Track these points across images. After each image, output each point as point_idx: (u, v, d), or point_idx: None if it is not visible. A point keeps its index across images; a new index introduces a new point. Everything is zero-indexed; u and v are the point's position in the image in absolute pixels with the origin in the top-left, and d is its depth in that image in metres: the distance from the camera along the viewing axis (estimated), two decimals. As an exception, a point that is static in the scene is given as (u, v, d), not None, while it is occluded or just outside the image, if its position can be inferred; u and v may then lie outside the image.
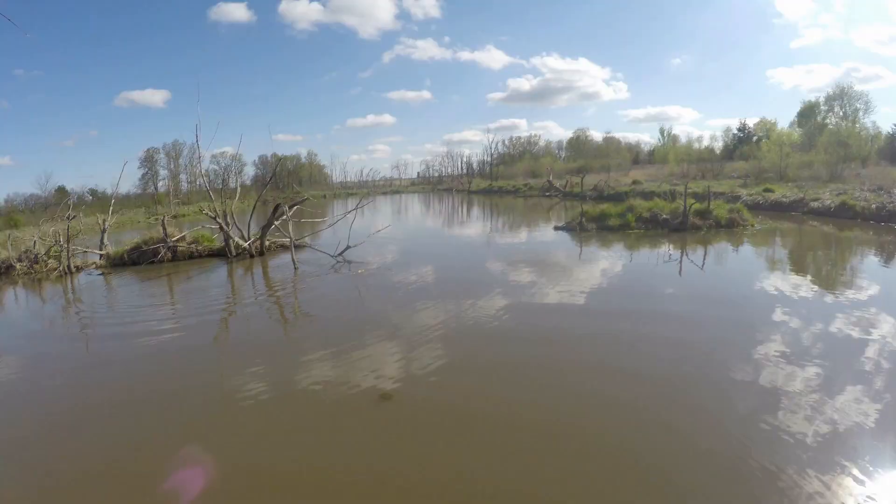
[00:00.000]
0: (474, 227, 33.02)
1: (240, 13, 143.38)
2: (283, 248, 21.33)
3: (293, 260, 17.96)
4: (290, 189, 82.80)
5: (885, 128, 57.21)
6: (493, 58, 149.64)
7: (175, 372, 9.21)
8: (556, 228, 26.52)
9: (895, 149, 52.59)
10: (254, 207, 25.40)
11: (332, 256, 19.16)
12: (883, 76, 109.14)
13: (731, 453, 5.72)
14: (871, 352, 8.62)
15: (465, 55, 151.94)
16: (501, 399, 7.31)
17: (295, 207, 21.96)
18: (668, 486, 5.28)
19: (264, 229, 21.04)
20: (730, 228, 24.28)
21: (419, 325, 10.88)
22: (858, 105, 56.74)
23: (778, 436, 6.01)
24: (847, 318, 10.49)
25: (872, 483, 5.13)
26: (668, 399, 7.16)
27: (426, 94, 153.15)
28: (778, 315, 10.99)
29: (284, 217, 20.28)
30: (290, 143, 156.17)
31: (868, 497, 4.94)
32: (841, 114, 57.81)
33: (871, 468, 5.35)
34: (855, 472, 5.30)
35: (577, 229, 24.83)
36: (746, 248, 20.29)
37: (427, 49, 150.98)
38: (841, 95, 57.85)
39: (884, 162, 46.73)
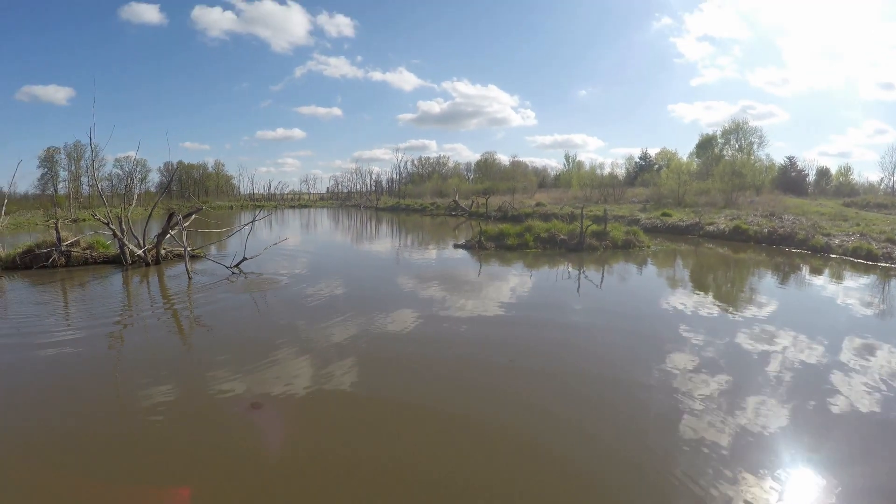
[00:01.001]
0: (383, 243, 32.01)
1: (151, 14, 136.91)
2: (180, 257, 20.16)
3: (187, 270, 17.08)
4: (195, 198, 78.78)
5: (779, 160, 62.21)
6: (405, 80, 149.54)
7: (72, 385, 8.34)
8: (456, 246, 26.13)
9: (787, 179, 56.93)
10: (149, 215, 23.55)
11: (227, 268, 18.44)
12: (776, 114, 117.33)
13: (640, 459, 5.91)
14: (773, 364, 9.19)
15: (377, 75, 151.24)
16: (409, 407, 7.41)
17: (192, 217, 21.29)
18: (569, 479, 5.59)
19: (159, 238, 20.17)
20: (626, 249, 24.94)
21: (326, 337, 10.61)
22: (753, 139, 59.71)
23: (688, 444, 6.25)
24: (749, 333, 11.13)
25: (780, 486, 5.40)
26: (585, 405, 7.55)
27: (337, 111, 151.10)
28: (681, 329, 11.49)
29: (178, 226, 19.33)
30: (197, 151, 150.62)
31: (778, 495, 5.23)
32: (737, 146, 60.44)
33: (778, 473, 5.65)
34: (763, 476, 5.57)
35: (476, 247, 24.50)
36: (642, 268, 20.88)
37: (339, 67, 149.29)
38: (737, 130, 60.61)
39: (777, 190, 49.95)
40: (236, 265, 18.62)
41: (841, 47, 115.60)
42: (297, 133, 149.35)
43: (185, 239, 18.69)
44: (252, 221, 21.93)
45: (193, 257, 19.59)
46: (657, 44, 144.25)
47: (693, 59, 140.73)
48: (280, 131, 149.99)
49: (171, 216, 20.02)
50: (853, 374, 8.77)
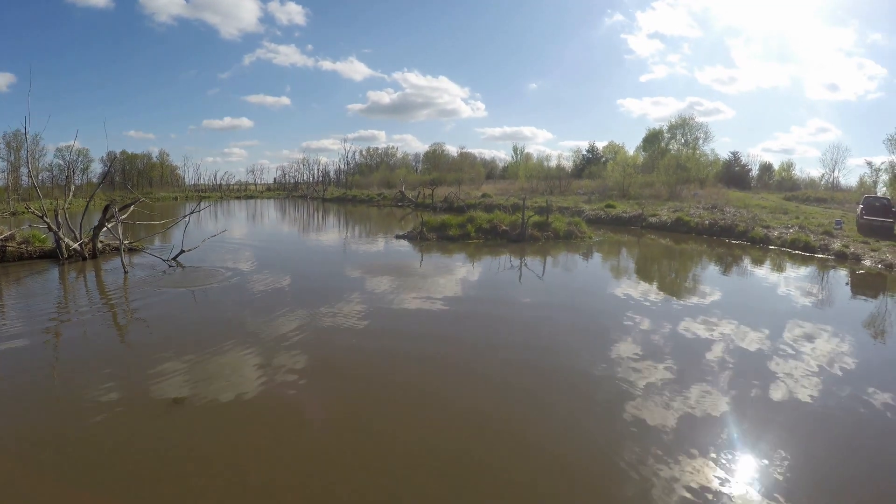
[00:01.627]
0: (325, 234, 31.42)
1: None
2: (118, 250, 18.50)
3: (123, 264, 16.32)
4: (138, 189, 75.08)
5: (724, 155, 62.87)
6: (355, 69, 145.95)
7: (8, 385, 7.85)
8: (398, 237, 25.63)
9: (731, 173, 58.03)
10: (86, 207, 21.59)
11: (163, 261, 17.59)
12: (723, 111, 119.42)
13: (592, 447, 6.07)
14: (717, 349, 9.58)
15: (328, 65, 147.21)
16: (357, 401, 7.36)
17: (130, 208, 20.35)
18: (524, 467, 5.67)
19: (95, 231, 19.12)
20: (568, 240, 24.87)
21: (272, 331, 10.32)
22: (699, 134, 59.75)
23: (636, 427, 6.44)
24: (690, 321, 11.47)
25: (725, 466, 5.63)
26: (536, 386, 7.87)
27: (286, 101, 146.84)
28: (624, 319, 11.73)
29: (115, 219, 18.54)
30: (142, 140, 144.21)
31: (721, 479, 5.38)
32: (682, 141, 60.68)
33: (722, 453, 5.88)
34: (708, 457, 5.77)
35: (418, 238, 24.14)
36: (583, 258, 21.06)
37: (289, 55, 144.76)
38: (683, 125, 60.80)
39: (720, 184, 50.69)
40: (174, 258, 17.78)
41: (788, 49, 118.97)
42: (245, 122, 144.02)
43: (120, 231, 17.99)
44: (190, 214, 20.78)
45: (132, 250, 19.00)
46: (609, 40, 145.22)
47: (643, 56, 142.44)
48: (227, 120, 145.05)
49: (106, 208, 19.06)
50: (792, 360, 9.09)
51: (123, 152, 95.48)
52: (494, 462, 5.76)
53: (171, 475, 5.42)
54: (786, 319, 11.82)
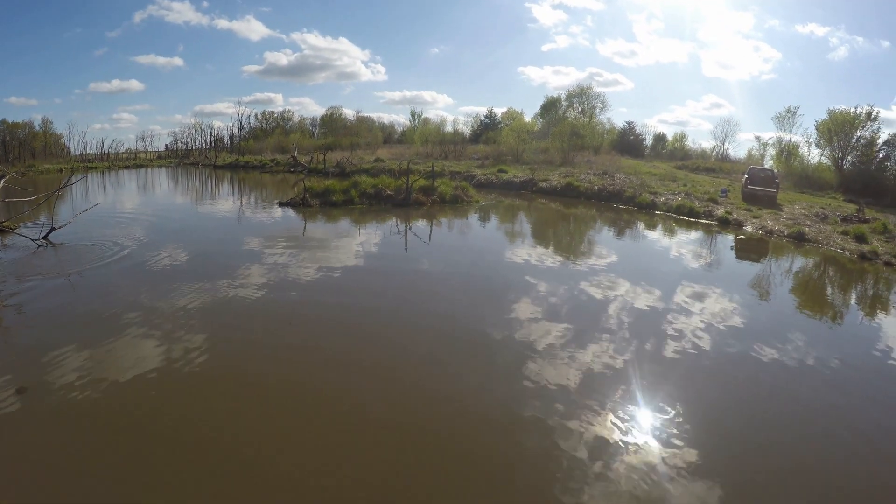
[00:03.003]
0: (205, 204, 28.16)
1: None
2: None
3: None
4: (20, 162, 67.41)
5: (620, 124, 63.33)
6: (252, 29, 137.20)
7: None
8: (281, 204, 24.20)
9: (626, 141, 58.41)
10: None
11: (32, 240, 15.42)
12: (622, 82, 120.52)
13: (496, 405, 6.31)
14: (612, 309, 9.93)
15: (223, 23, 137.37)
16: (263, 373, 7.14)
17: (0, 183, 17.29)
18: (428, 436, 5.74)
19: None
20: (454, 204, 24.30)
21: (168, 308, 9.52)
22: (596, 103, 60.71)
23: (539, 386, 6.75)
24: (587, 282, 11.87)
25: (626, 419, 6.03)
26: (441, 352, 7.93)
27: (178, 61, 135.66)
28: (514, 279, 12.16)
29: None
30: (24, 108, 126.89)
31: (623, 431, 5.75)
32: (580, 109, 61.00)
33: (623, 406, 6.33)
34: (610, 411, 6.17)
35: (301, 205, 22.94)
36: (467, 222, 20.93)
37: (183, 13, 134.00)
38: (580, 94, 61.42)
39: (614, 152, 50.51)
40: (44, 237, 15.80)
41: (689, 28, 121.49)
42: (135, 85, 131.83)
43: None
44: (60, 189, 19.63)
45: (2, 231, 16.83)
46: (513, 8, 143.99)
47: (547, 25, 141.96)
48: (116, 83, 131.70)
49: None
50: (683, 317, 9.65)
51: (4, 121, 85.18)
52: (404, 419, 5.99)
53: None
54: (676, 281, 12.25)
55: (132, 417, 5.96)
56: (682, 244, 17.31)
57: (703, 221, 21.51)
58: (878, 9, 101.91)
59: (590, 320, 9.23)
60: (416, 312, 9.80)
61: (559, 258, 14.71)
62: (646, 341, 8.30)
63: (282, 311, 9.55)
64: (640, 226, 20.61)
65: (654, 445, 5.48)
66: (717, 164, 47.76)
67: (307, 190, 24.31)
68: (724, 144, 61.42)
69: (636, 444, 5.49)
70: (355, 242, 15.88)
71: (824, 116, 37.48)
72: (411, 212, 21.88)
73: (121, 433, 5.66)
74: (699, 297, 11.00)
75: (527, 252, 15.15)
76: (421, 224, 19.53)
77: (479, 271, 13.20)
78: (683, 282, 12.08)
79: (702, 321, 9.37)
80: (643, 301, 10.42)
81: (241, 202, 28.58)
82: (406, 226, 18.93)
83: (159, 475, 4.96)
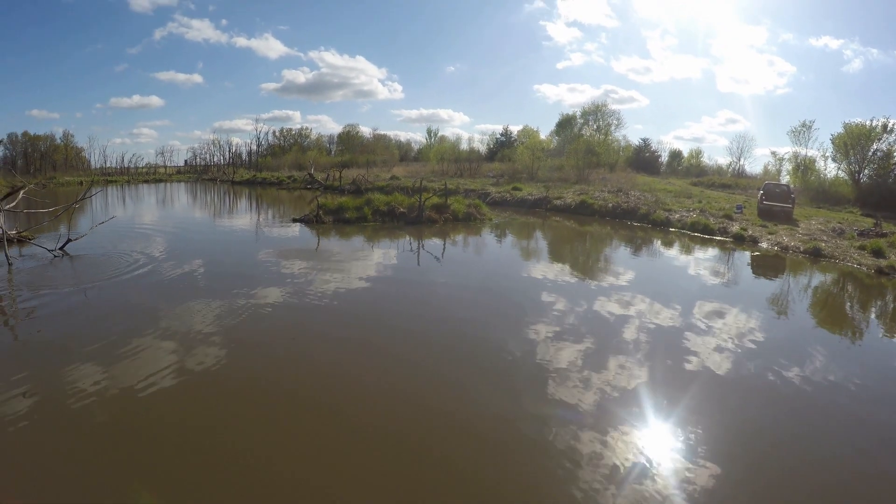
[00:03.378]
0: (230, 218, 28.89)
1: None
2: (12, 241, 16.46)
3: (6, 256, 14.30)
4: (42, 174, 68.74)
5: (635, 141, 64.40)
6: (271, 47, 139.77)
7: None
8: (295, 220, 24.23)
9: (641, 159, 59.24)
10: None
11: (49, 251, 15.59)
12: (637, 99, 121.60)
13: (510, 424, 6.15)
14: (630, 328, 9.74)
15: (242, 41, 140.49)
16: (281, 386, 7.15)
17: (18, 195, 17.84)
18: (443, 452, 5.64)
19: None
20: (467, 222, 24.29)
21: (188, 322, 9.49)
22: (611, 120, 60.98)
23: (555, 403, 6.61)
24: (605, 300, 11.73)
25: (642, 438, 5.88)
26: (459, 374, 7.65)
27: (198, 78, 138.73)
28: (525, 298, 12.03)
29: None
30: (45, 120, 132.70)
31: (639, 449, 5.63)
32: (595, 127, 61.13)
33: (638, 425, 6.15)
34: (626, 430, 6.01)
35: (315, 221, 23.03)
36: (478, 240, 20.65)
37: (202, 30, 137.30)
38: (596, 111, 61.68)
39: (629, 169, 50.99)
40: (60, 248, 15.89)
41: (703, 44, 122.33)
42: (155, 101, 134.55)
43: (2, 221, 15.73)
44: (78, 201, 19.09)
45: (20, 241, 16.90)
46: (528, 26, 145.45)
47: (561, 43, 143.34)
48: (136, 99, 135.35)
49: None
50: (701, 336, 9.48)
51: (25, 133, 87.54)
52: (425, 440, 5.87)
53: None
54: (692, 298, 12.16)
55: (142, 426, 5.97)
56: (697, 262, 17.20)
57: (718, 238, 21.31)
58: (891, 20, 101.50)
59: (608, 338, 9.11)
60: (427, 329, 9.70)
61: (572, 276, 14.62)
62: (661, 359, 8.21)
63: (289, 327, 9.53)
64: (655, 243, 20.44)
65: (672, 467, 5.30)
66: (732, 181, 47.57)
67: (321, 207, 24.36)
68: (739, 160, 61.45)
69: (653, 466, 5.30)
70: (367, 259, 15.85)
71: (840, 130, 37.35)
72: (423, 229, 21.89)
73: (130, 441, 5.67)
74: (715, 314, 10.84)
75: (540, 270, 15.16)
76: (433, 242, 19.47)
77: (490, 288, 13.10)
78: (699, 300, 11.96)
79: (716, 339, 9.24)
80: (658, 319, 10.29)
81: (259, 217, 28.87)
82: (419, 243, 18.87)
83: (170, 481, 5.01)
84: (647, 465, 5.30)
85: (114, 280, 12.68)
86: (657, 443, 5.76)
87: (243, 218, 28.86)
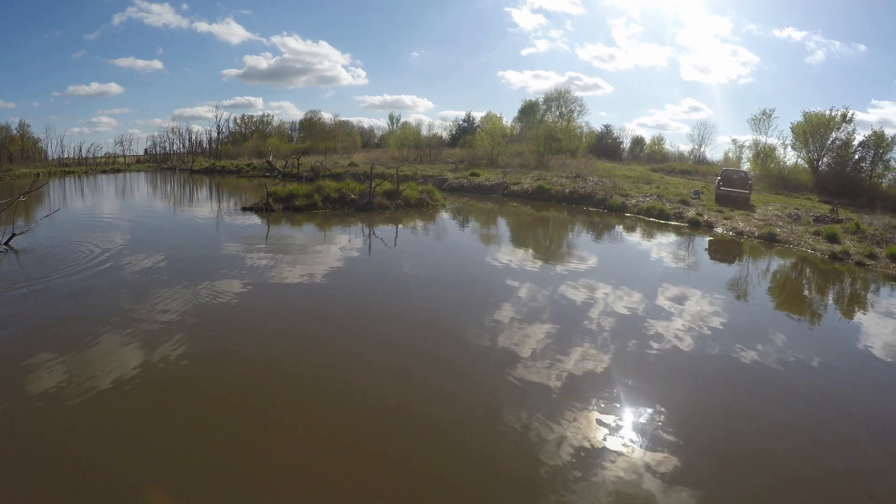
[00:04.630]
0: (191, 208, 27.18)
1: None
2: None
3: None
4: None
5: (599, 128, 63.70)
6: (232, 32, 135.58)
7: None
8: (245, 209, 23.44)
9: (603, 145, 59.05)
10: None
11: None
12: (602, 86, 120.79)
13: (482, 408, 6.12)
14: (594, 312, 9.65)
15: (203, 26, 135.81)
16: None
17: None
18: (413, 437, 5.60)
19: None
20: (419, 208, 23.75)
21: (150, 313, 9.16)
22: (574, 107, 60.24)
23: (523, 389, 6.58)
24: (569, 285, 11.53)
25: (611, 419, 5.89)
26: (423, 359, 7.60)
27: (158, 64, 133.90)
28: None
29: None
30: (1, 111, 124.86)
31: (609, 431, 5.63)
32: (557, 113, 60.64)
33: (607, 407, 6.17)
34: (595, 412, 6.05)
35: (264, 210, 22.35)
36: (429, 225, 20.39)
37: (162, 14, 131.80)
38: (558, 98, 61.07)
39: (591, 155, 50.69)
40: (5, 243, 15.16)
41: (668, 33, 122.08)
42: (114, 88, 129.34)
43: None
44: (24, 194, 18.32)
45: None
46: (493, 12, 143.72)
47: (527, 30, 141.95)
48: (95, 86, 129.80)
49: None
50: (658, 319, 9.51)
51: None
52: (389, 428, 5.75)
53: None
54: (645, 282, 12.08)
55: (107, 430, 5.67)
56: (651, 247, 16.95)
57: (674, 223, 21.09)
58: (854, 13, 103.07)
59: (573, 323, 9.07)
60: (377, 316, 9.43)
61: (525, 261, 14.21)
62: (627, 341, 8.25)
63: (212, 321, 8.94)
64: (610, 228, 20.20)
65: (638, 448, 5.35)
66: (693, 167, 47.60)
67: (271, 195, 23.40)
68: (700, 147, 61.49)
69: (620, 447, 5.34)
70: (314, 247, 15.31)
71: (800, 119, 37.49)
72: (374, 216, 21.46)
73: (86, 444, 5.40)
74: (672, 298, 10.86)
75: (491, 255, 14.93)
76: (384, 228, 18.90)
77: (438, 272, 13.00)
78: (651, 284, 11.85)
79: (674, 322, 9.29)
80: (617, 303, 10.25)
81: (213, 207, 27.36)
82: (369, 230, 18.25)
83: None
84: (613, 446, 5.37)
85: (67, 277, 11.71)
86: (623, 423, 5.83)
87: (196, 207, 27.40)
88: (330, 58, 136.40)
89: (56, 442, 5.41)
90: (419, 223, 20.35)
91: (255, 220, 20.44)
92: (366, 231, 18.06)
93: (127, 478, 4.83)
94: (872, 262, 14.65)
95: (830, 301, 11.94)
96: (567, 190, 27.93)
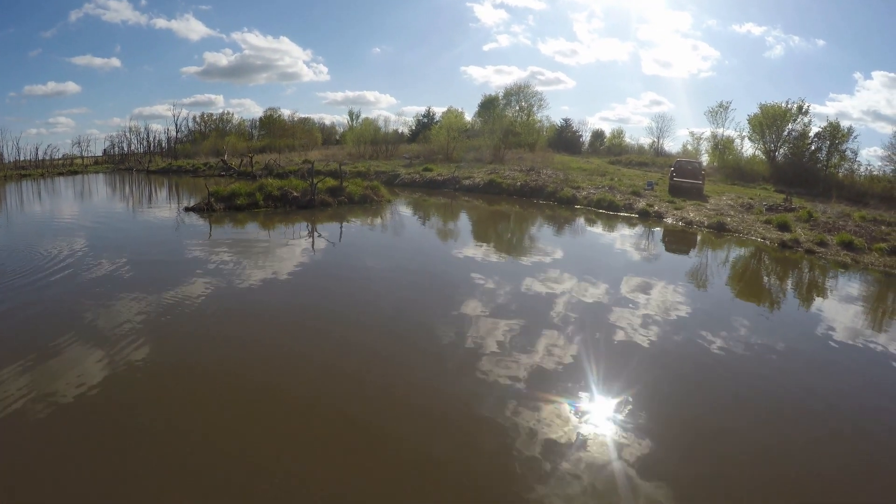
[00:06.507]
0: (151, 210, 25.70)
1: None
2: None
3: None
4: None
5: (560, 122, 63.78)
6: (192, 28, 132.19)
7: None
8: (187, 209, 22.57)
9: (563, 138, 59.41)
10: None
11: None
12: (564, 81, 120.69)
13: (446, 406, 5.97)
14: (559, 305, 9.53)
15: (162, 22, 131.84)
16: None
17: None
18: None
19: None
20: (363, 204, 23.15)
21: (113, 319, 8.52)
22: (534, 101, 59.65)
23: (490, 383, 6.41)
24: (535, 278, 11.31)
25: (580, 410, 5.82)
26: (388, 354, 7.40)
27: (116, 62, 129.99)
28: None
29: None
30: None
31: (578, 422, 5.57)
32: (517, 108, 60.12)
33: (574, 398, 6.07)
34: (563, 403, 5.94)
35: (206, 210, 21.62)
36: (375, 221, 19.93)
37: (120, 11, 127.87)
38: (518, 92, 60.44)
39: (550, 149, 50.39)
40: None
41: (629, 27, 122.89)
42: (72, 87, 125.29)
43: None
44: None
45: None
46: (455, 7, 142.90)
47: (489, 25, 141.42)
48: (51, 85, 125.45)
49: None
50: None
51: None
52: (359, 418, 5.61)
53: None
54: (582, 272, 11.97)
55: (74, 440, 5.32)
56: (600, 237, 16.92)
57: (623, 214, 20.76)
58: (813, 8, 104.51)
59: (538, 316, 8.96)
60: (320, 313, 9.15)
61: (465, 252, 13.94)
62: (593, 332, 8.16)
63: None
64: (557, 220, 19.83)
65: (608, 437, 5.34)
66: (650, 159, 47.80)
67: (212, 194, 22.43)
68: (659, 140, 61.76)
69: (590, 437, 5.33)
70: (254, 246, 14.67)
71: (757, 112, 37.59)
72: (316, 213, 20.76)
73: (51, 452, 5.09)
74: (634, 287, 10.86)
75: (438, 247, 15.09)
76: (324, 226, 18.37)
77: (371, 266, 12.75)
78: (587, 275, 11.67)
79: (631, 311, 9.28)
80: (582, 294, 10.23)
81: (171, 207, 26.15)
82: (311, 229, 17.63)
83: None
84: (583, 435, 5.35)
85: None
86: (592, 413, 5.80)
87: (155, 209, 25.93)
88: (291, 54, 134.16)
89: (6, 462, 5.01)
90: (356, 219, 19.85)
91: (195, 220, 19.48)
92: (307, 228, 17.62)
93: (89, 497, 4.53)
94: (822, 250, 14.29)
95: (787, 287, 11.97)
96: (518, 183, 27.60)
